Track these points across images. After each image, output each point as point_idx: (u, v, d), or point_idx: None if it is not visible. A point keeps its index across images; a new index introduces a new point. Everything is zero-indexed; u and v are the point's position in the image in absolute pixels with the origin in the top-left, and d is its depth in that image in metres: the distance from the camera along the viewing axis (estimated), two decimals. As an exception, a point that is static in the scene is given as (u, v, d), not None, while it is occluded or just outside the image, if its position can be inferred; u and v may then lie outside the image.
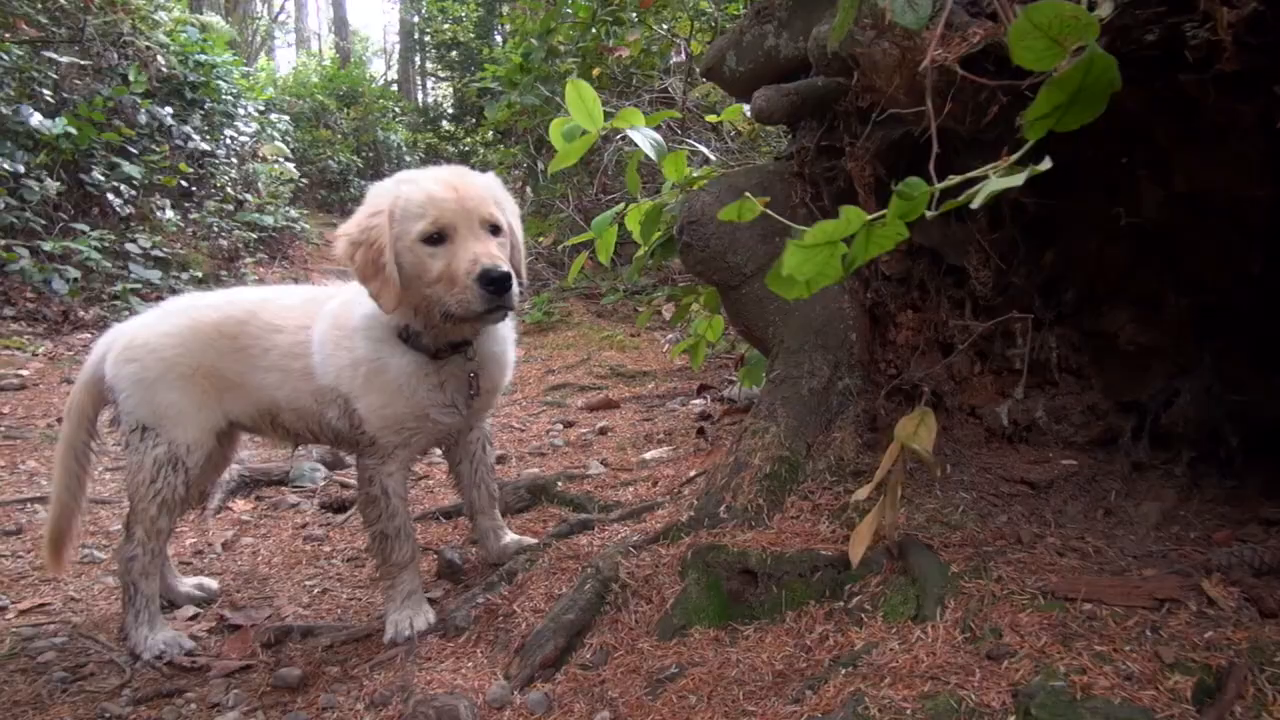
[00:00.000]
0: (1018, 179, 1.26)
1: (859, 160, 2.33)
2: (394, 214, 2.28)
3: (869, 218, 1.38)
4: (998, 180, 1.28)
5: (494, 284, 2.19)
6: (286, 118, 13.89)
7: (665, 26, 7.90)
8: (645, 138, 2.89)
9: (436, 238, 2.25)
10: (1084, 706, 1.50)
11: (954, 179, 1.34)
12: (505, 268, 2.22)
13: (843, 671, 1.82)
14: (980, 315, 2.42)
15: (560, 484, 3.44)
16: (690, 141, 4.14)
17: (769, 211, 1.68)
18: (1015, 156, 1.32)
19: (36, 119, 7.69)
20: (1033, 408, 2.41)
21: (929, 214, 1.36)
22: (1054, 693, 1.55)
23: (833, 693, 1.76)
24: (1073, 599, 1.82)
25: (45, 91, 8.26)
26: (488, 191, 2.36)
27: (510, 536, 2.89)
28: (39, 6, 8.53)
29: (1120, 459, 2.30)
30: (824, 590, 2.13)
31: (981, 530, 2.15)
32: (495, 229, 2.33)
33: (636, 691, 2.01)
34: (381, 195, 2.34)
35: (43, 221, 7.77)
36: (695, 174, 3.20)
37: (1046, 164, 1.27)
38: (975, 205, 1.28)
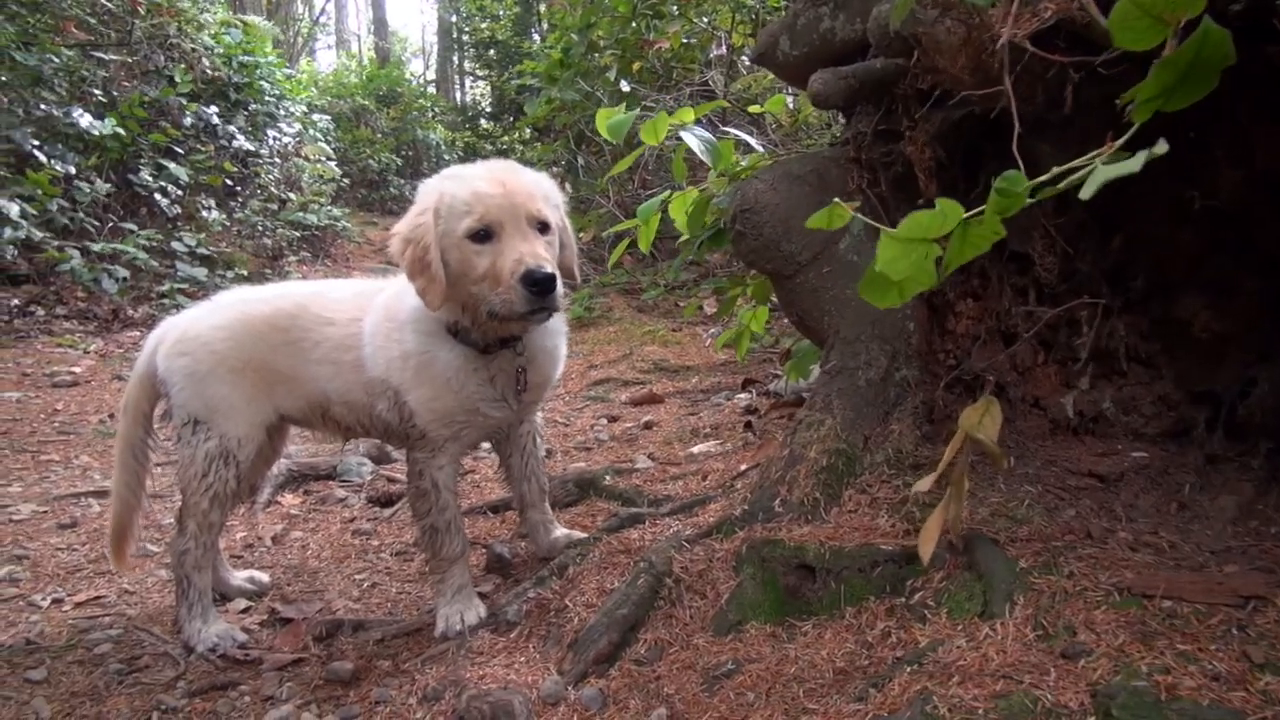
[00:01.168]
0: (1134, 164, 1.18)
1: (919, 144, 2.26)
2: (439, 211, 2.25)
3: (966, 214, 1.31)
4: (1111, 168, 1.20)
5: (537, 285, 2.15)
6: (328, 117, 14.01)
7: (705, 19, 7.83)
8: (697, 139, 2.85)
9: (483, 234, 2.22)
10: (1170, 708, 1.43)
11: (1056, 169, 1.27)
12: (550, 269, 2.17)
13: (908, 669, 1.76)
14: (1044, 303, 2.34)
15: (608, 478, 3.41)
16: (733, 131, 4.08)
17: (844, 205, 1.62)
18: (1121, 140, 1.25)
19: (86, 120, 7.82)
20: (1099, 398, 2.33)
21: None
22: (1136, 693, 1.48)
23: (898, 691, 1.71)
24: (1151, 596, 1.74)
25: (96, 91, 8.39)
26: (536, 188, 2.31)
27: (560, 530, 2.87)
28: (88, 10, 8.67)
29: (1194, 451, 2.21)
30: (884, 586, 2.07)
31: (1049, 525, 2.07)
32: (544, 226, 2.28)
33: (693, 688, 1.97)
34: (429, 192, 2.32)
35: (94, 222, 7.91)
36: (742, 164, 3.16)
37: (1163, 147, 1.20)
38: (1086, 195, 1.21)
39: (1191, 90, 1.23)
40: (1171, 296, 2.24)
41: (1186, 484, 2.16)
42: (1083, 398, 2.34)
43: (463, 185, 2.26)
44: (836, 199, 1.72)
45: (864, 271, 2.50)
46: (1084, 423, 2.35)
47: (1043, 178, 1.35)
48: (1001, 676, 1.64)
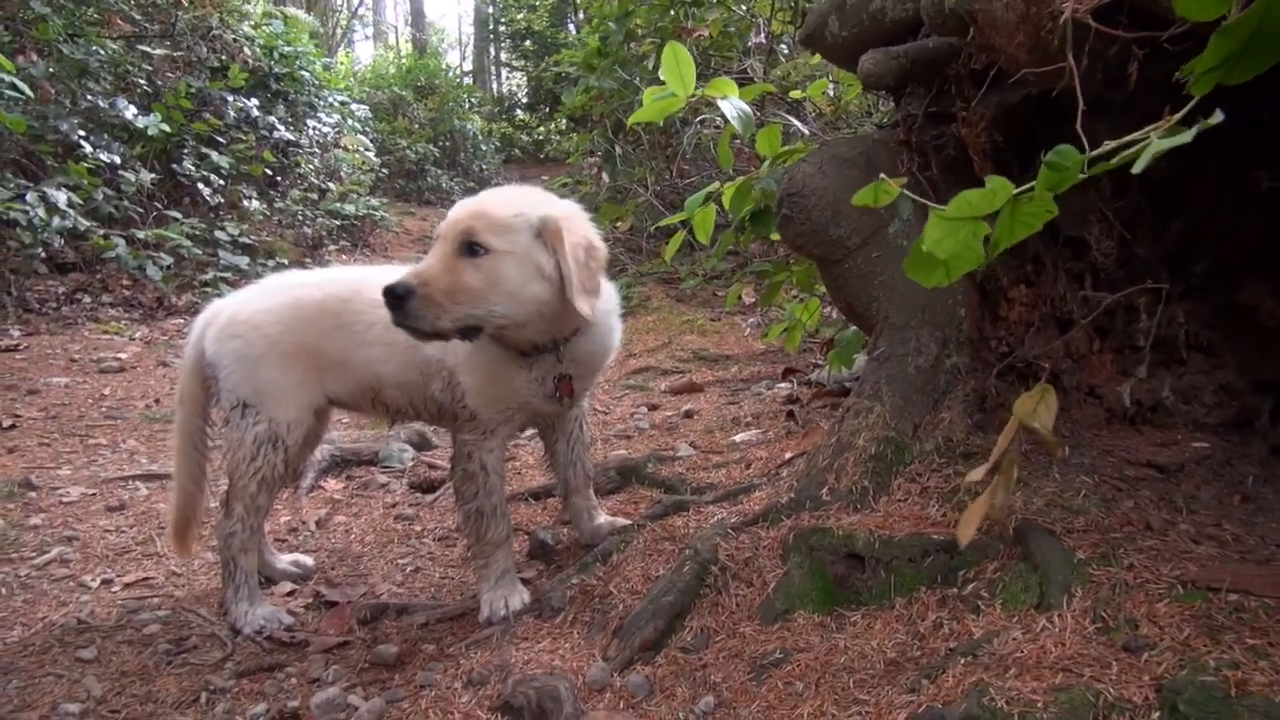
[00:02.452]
0: (1186, 136, 1.14)
1: (973, 126, 2.21)
2: None
3: (1016, 190, 1.27)
4: (1165, 141, 1.16)
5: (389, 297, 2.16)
6: (366, 108, 14.09)
7: (744, 6, 7.76)
8: (733, 108, 2.80)
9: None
10: (1240, 704, 1.39)
11: (1110, 144, 1.23)
12: (410, 282, 2.15)
13: (961, 661, 1.72)
14: (1101, 289, 2.28)
15: (650, 466, 3.39)
16: (782, 115, 4.04)
17: (890, 182, 1.58)
18: (1179, 115, 1.21)
19: (131, 111, 7.92)
20: (1158, 387, 2.26)
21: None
22: (1204, 688, 1.44)
23: (952, 683, 1.67)
24: (1216, 589, 1.69)
25: (141, 82, 8.50)
26: (492, 212, 2.25)
27: (604, 517, 2.86)
28: (133, 3, 8.78)
29: (1257, 442, 2.14)
30: (935, 576, 2.04)
31: (1106, 516, 2.02)
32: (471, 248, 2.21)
33: (740, 677, 1.95)
34: None
35: (138, 211, 8.02)
36: (787, 149, 3.12)
37: (1218, 117, 1.15)
38: (1139, 169, 1.16)
39: (1255, 61, 1.18)
40: (1235, 282, 2.17)
41: (1250, 476, 2.09)
42: (1140, 386, 2.28)
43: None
44: (883, 177, 1.68)
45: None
46: (1141, 412, 2.28)
47: (1095, 152, 1.30)
48: (1061, 669, 1.60)
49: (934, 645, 1.86)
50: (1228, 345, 2.22)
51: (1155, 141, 1.18)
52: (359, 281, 2.60)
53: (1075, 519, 2.01)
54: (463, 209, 2.26)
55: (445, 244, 2.21)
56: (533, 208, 2.26)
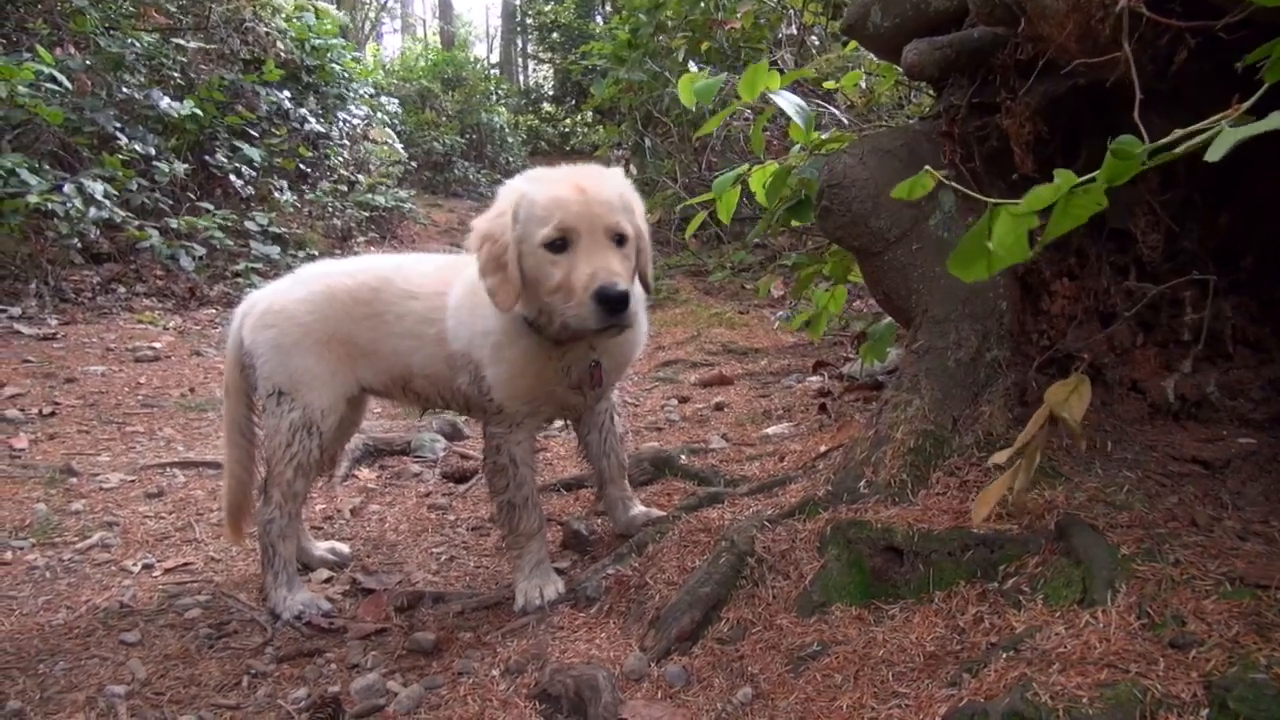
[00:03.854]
0: (1271, 123, 1.11)
1: (1017, 117, 2.18)
2: (517, 214, 2.24)
3: (1078, 180, 1.25)
4: (1242, 129, 1.13)
5: (609, 303, 2.12)
6: (395, 100, 14.15)
7: (775, -2, 7.72)
8: (790, 103, 2.80)
9: (559, 244, 2.19)
10: (1293, 702, 1.37)
11: (1178, 131, 1.21)
12: (623, 286, 2.14)
13: (1003, 656, 1.71)
14: (1145, 282, 2.25)
15: (683, 457, 3.39)
16: (818, 103, 4.01)
17: (932, 173, 1.57)
18: (1248, 103, 1.18)
19: (165, 103, 8.00)
20: (1203, 382, 2.23)
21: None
22: (1255, 686, 1.42)
23: (994, 677, 1.66)
24: (1265, 586, 1.67)
25: (175, 75, 8.58)
26: (617, 197, 2.27)
27: (639, 508, 2.86)
28: (168, -4, 8.88)
29: (1306, 438, 2.11)
30: (975, 570, 2.02)
31: (1150, 511, 2.00)
32: (620, 238, 2.25)
33: (778, 669, 1.95)
34: (510, 192, 2.30)
35: (171, 202, 8.10)
36: (824, 137, 3.10)
37: None
38: (1215, 157, 1.13)
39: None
40: (1285, 276, 2.14)
41: (1298, 472, 2.06)
42: (1185, 381, 2.25)
43: (542, 190, 2.24)
44: (927, 168, 1.67)
45: (954, 249, 2.45)
46: (1185, 407, 2.25)
47: (1161, 141, 1.28)
48: (1106, 665, 1.58)
49: (974, 640, 1.85)
50: (1276, 340, 2.19)
51: (1228, 130, 1.16)
52: (391, 270, 2.62)
53: (1119, 514, 1.99)
54: (592, 190, 2.23)
55: (596, 234, 2.20)
56: (622, 187, 2.34)
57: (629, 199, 2.33)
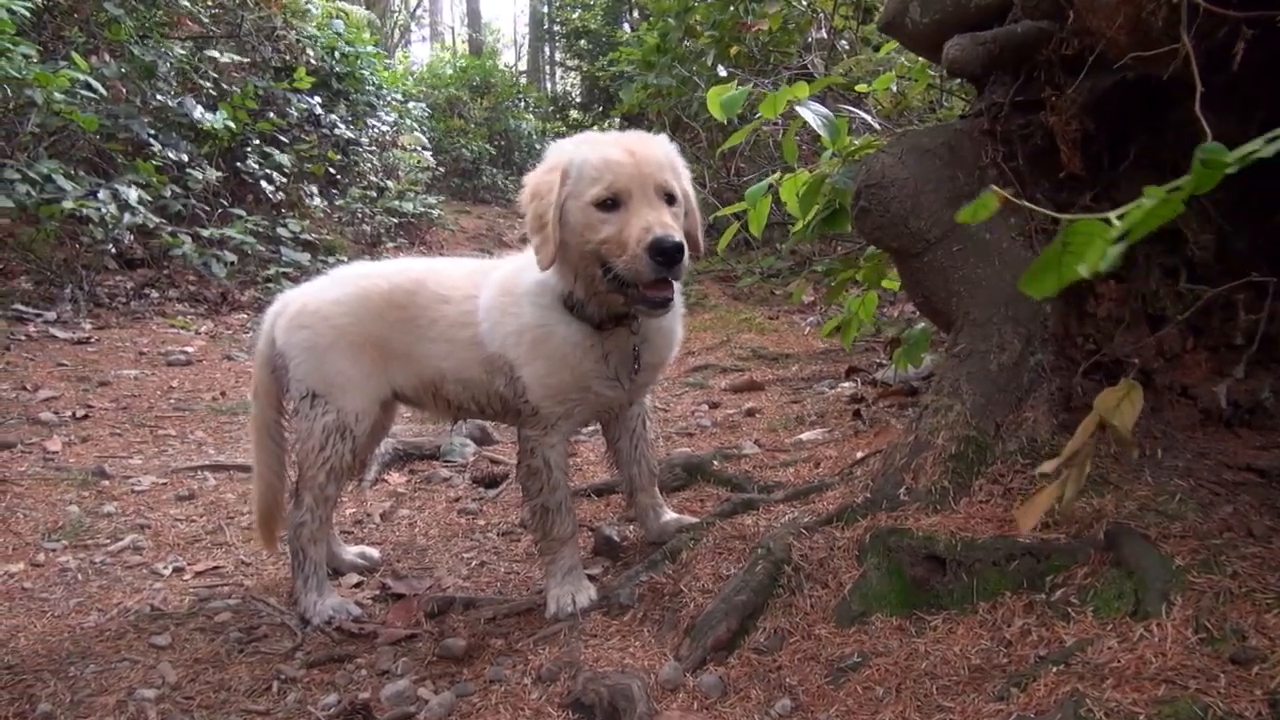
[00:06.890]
0: None
1: (1063, 114, 2.12)
2: (567, 173, 2.25)
3: (1167, 190, 1.18)
4: None
5: (664, 254, 2.14)
6: (424, 105, 14.23)
7: (805, 1, 7.66)
8: (816, 115, 2.76)
9: (610, 203, 2.21)
10: (1365, 721, 1.31)
11: (1276, 132, 1.14)
12: (677, 238, 2.16)
13: (1053, 669, 1.65)
14: (1197, 284, 2.18)
15: (716, 463, 3.34)
16: (848, 108, 3.96)
17: (998, 192, 1.52)
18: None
19: (198, 111, 8.08)
20: (1257, 387, 2.16)
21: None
22: (1323, 704, 1.35)
23: (1044, 692, 1.61)
24: (1330, 600, 1.60)
25: (206, 84, 8.67)
26: (666, 158, 2.31)
27: (670, 515, 2.82)
28: (200, 5, 8.95)
29: (1366, 446, 2.03)
30: (1021, 580, 1.96)
31: (1205, 521, 1.93)
32: (670, 198, 2.27)
33: (817, 680, 1.90)
34: (559, 152, 2.33)
35: (204, 208, 8.18)
36: (857, 143, 3.04)
37: None
38: None
39: None
40: (1344, 278, 2.06)
41: (1359, 481, 1.98)
42: (1238, 386, 2.17)
43: (594, 150, 2.26)
44: (992, 187, 1.61)
45: (996, 250, 2.39)
46: (1238, 413, 2.18)
47: (1249, 146, 1.22)
48: (1163, 680, 1.52)
49: (1022, 652, 1.79)
50: (1334, 344, 2.11)
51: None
52: (425, 273, 2.60)
53: (1171, 524, 1.93)
54: (642, 152, 2.26)
55: (648, 192, 2.22)
56: (669, 149, 2.37)
57: (675, 161, 2.37)
